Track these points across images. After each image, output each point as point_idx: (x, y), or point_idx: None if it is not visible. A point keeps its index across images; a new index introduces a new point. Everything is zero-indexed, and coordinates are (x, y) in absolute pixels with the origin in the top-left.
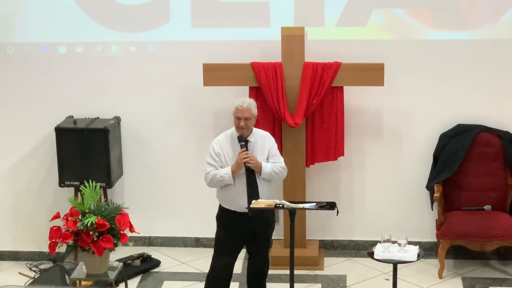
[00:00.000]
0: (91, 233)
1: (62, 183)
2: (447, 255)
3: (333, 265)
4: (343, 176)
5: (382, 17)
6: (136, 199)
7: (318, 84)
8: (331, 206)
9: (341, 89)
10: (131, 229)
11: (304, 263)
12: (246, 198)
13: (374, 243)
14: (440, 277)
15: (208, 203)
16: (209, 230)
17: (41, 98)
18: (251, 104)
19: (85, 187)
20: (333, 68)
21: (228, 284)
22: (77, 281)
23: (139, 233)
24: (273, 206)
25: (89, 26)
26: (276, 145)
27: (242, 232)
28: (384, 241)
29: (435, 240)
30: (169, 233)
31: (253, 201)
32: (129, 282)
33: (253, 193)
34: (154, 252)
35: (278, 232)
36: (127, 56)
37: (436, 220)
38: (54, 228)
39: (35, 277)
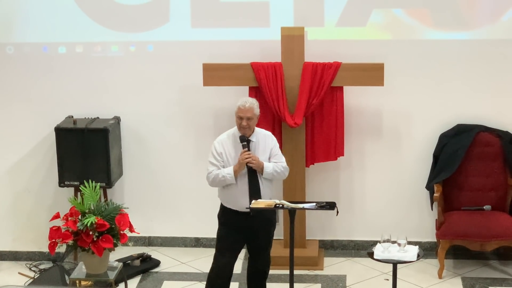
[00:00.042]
0: (91, 233)
1: (62, 183)
2: (447, 255)
3: (333, 265)
4: (343, 176)
5: (382, 17)
6: (136, 199)
7: (318, 84)
8: (331, 206)
9: (341, 89)
10: (131, 229)
11: (303, 263)
12: (247, 197)
13: (374, 243)
14: (440, 277)
15: (207, 203)
16: (209, 230)
17: (41, 98)
18: (254, 104)
19: (85, 187)
20: (333, 68)
21: (229, 284)
22: (77, 281)
23: (138, 233)
24: (273, 206)
25: (89, 26)
26: (278, 145)
27: (243, 231)
28: (384, 241)
29: (435, 240)
30: (169, 233)
31: (253, 201)
32: (129, 282)
33: (254, 193)
34: (154, 252)
35: (278, 232)
36: (127, 56)
37: (436, 220)
38: (54, 228)
39: (35, 277)
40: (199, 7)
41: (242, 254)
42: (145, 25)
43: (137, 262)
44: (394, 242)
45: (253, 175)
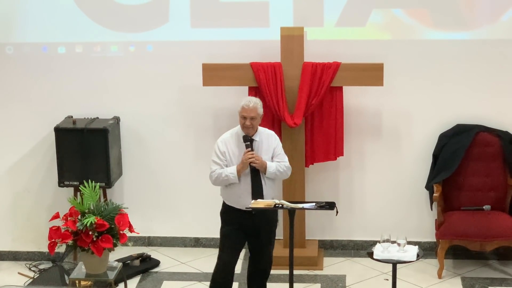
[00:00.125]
0: (90, 233)
1: (61, 183)
2: (446, 255)
3: (333, 265)
4: (342, 176)
5: (381, 17)
6: (135, 199)
7: (317, 84)
8: (330, 206)
9: (340, 89)
10: (131, 229)
11: (303, 263)
12: (250, 197)
13: (374, 243)
14: (440, 277)
15: (207, 203)
16: (209, 230)
17: (41, 98)
18: (257, 104)
19: (85, 187)
20: (333, 68)
21: (232, 282)
22: (77, 281)
23: (138, 233)
24: (272, 206)
25: (89, 26)
26: (280, 144)
27: (245, 229)
28: (384, 241)
29: (435, 240)
30: (169, 233)
31: (252, 201)
32: (129, 282)
33: (257, 192)
34: (154, 252)
35: (278, 232)
36: (127, 56)
37: (436, 220)
38: (53, 228)
39: (35, 277)
40: (198, 7)
41: (242, 254)
42: (144, 25)
43: (136, 262)
44: (393, 242)
45: (256, 175)
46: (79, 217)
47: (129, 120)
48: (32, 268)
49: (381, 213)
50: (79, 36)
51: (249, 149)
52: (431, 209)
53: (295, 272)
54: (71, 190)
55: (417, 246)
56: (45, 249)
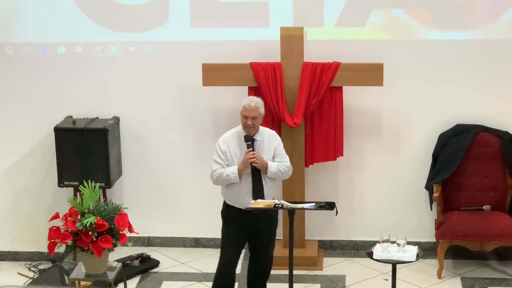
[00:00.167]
0: (90, 233)
1: (61, 183)
2: (446, 255)
3: (332, 265)
4: (342, 176)
5: (381, 17)
6: (135, 199)
7: (317, 84)
8: (330, 206)
9: (340, 89)
10: (130, 229)
11: (303, 263)
12: (251, 196)
13: (373, 243)
14: (439, 277)
15: (207, 203)
16: (208, 230)
17: (40, 98)
18: (259, 104)
19: (84, 187)
20: (332, 68)
21: (234, 281)
22: (76, 281)
23: (138, 233)
24: (272, 206)
25: (88, 26)
26: (282, 144)
27: (246, 229)
28: (383, 241)
29: (434, 240)
30: (168, 233)
31: (252, 201)
32: (128, 282)
33: (258, 192)
34: (153, 252)
35: (278, 232)
36: (126, 56)
37: (435, 220)
38: (53, 228)
39: (34, 277)
40: (198, 7)
41: (242, 254)
42: (144, 25)
43: (136, 262)
44: (393, 242)
45: (257, 175)
46: (79, 217)
47: (129, 120)
48: (31, 268)
49: (380, 213)
50: (79, 36)
51: (250, 149)
52: (431, 209)
53: (295, 272)
54: (70, 190)
55: (416, 246)
56: (44, 249)
